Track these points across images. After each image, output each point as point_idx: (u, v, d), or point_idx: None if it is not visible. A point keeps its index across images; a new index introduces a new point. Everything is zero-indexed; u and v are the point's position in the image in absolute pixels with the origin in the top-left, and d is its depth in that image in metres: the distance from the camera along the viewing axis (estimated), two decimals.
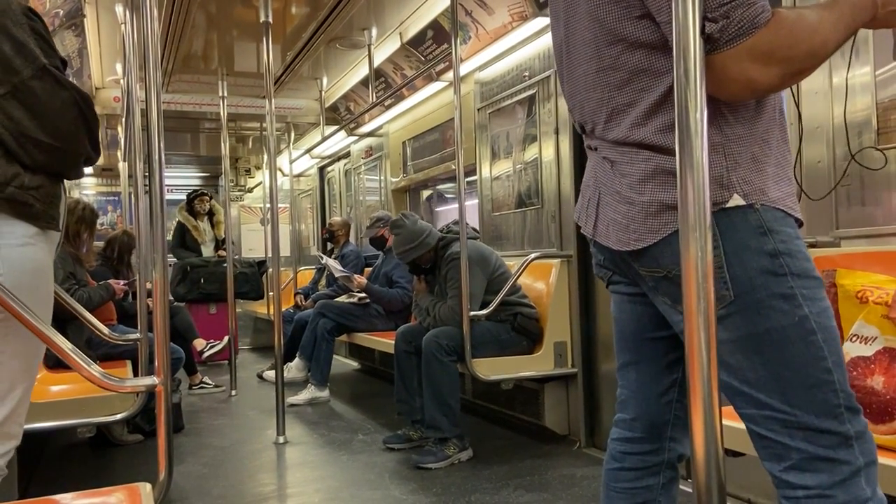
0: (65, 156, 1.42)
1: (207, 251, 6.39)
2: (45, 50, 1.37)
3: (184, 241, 6.40)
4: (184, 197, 6.62)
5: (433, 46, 4.28)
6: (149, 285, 2.40)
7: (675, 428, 1.28)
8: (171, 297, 5.86)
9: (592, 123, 1.17)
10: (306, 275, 6.59)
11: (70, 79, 1.44)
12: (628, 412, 1.30)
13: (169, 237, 6.46)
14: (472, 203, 4.14)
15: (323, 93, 5.80)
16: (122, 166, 5.52)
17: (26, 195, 1.35)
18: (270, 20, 3.57)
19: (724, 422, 0.87)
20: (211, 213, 6.50)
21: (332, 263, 4.78)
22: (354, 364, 6.17)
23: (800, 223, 1.07)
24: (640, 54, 1.06)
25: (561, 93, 3.28)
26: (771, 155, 1.06)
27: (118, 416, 2.51)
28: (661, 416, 1.26)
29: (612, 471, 1.31)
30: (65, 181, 1.51)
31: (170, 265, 6.15)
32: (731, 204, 1.02)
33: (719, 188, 1.02)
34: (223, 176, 5.66)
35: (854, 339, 1.63)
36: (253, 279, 6.36)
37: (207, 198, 6.46)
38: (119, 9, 3.87)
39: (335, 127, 5.99)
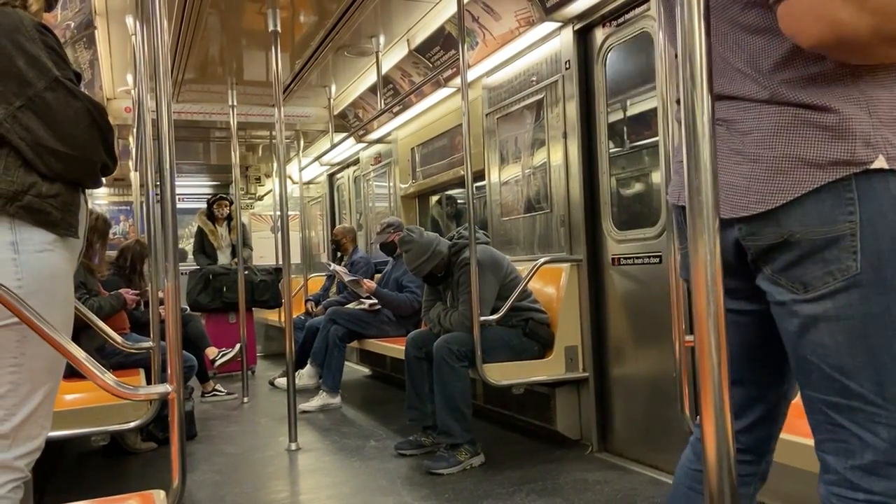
0: (81, 164, 1.46)
1: (223, 257, 6.36)
2: (57, 63, 1.42)
3: (203, 245, 6.38)
4: (195, 206, 6.61)
5: (441, 53, 4.29)
6: (161, 294, 2.41)
7: (775, 439, 1.22)
8: (186, 307, 5.86)
9: None
10: (317, 282, 6.61)
11: (82, 90, 1.47)
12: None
13: (190, 243, 6.44)
14: None
15: (332, 100, 5.82)
16: (134, 176, 5.57)
17: (44, 203, 1.39)
18: (279, 29, 3.59)
19: None
20: (230, 219, 6.40)
21: (340, 269, 4.80)
22: (365, 370, 6.17)
23: None
24: (755, 13, 0.98)
25: (569, 97, 3.30)
26: None
27: (132, 425, 2.53)
28: (769, 431, 1.20)
29: (696, 471, 1.22)
30: (85, 191, 1.54)
31: (184, 273, 6.15)
32: (875, 165, 0.93)
33: (865, 146, 0.93)
34: (234, 184, 5.69)
35: None
36: (273, 287, 6.29)
37: (227, 202, 6.36)
38: (129, 20, 3.91)
39: (344, 134, 6.01)
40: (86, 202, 1.54)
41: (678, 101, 1.19)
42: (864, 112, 0.94)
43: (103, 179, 1.61)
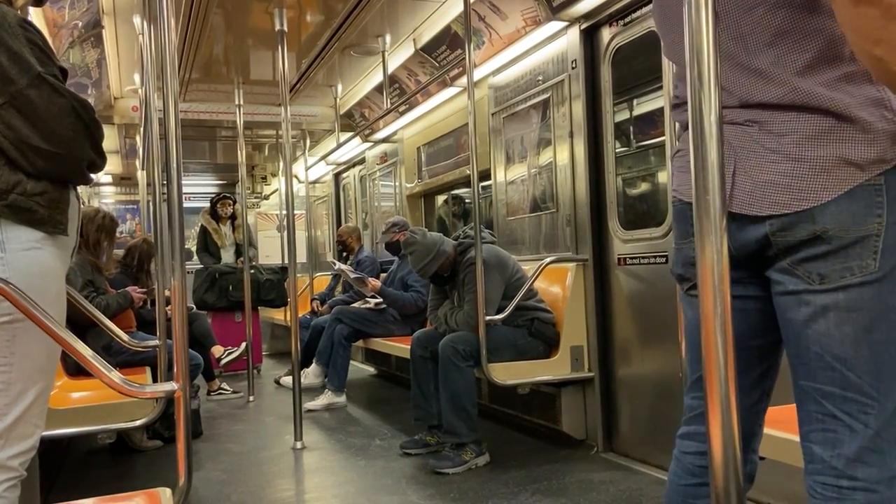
0: (66, 161, 1.44)
1: (227, 255, 6.37)
2: (40, 59, 1.40)
3: (206, 244, 6.40)
4: (201, 205, 6.63)
5: (447, 52, 4.29)
6: (167, 292, 2.42)
7: (758, 439, 1.22)
8: (192, 305, 5.88)
9: (726, 93, 1.07)
10: (323, 281, 6.62)
11: (88, 89, 1.47)
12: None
13: (194, 242, 6.45)
14: None
15: (338, 100, 5.83)
16: (141, 175, 5.58)
17: (29, 201, 1.38)
18: (285, 28, 3.60)
19: None
20: (234, 217, 6.43)
21: (345, 267, 4.80)
22: (371, 369, 6.18)
23: None
24: (783, 15, 0.99)
25: (576, 96, 3.29)
26: None
27: (138, 423, 2.54)
28: (750, 428, 1.19)
29: (690, 486, 1.22)
30: (77, 188, 1.53)
31: (190, 272, 6.17)
32: None
33: (892, 144, 0.97)
34: (240, 183, 5.71)
35: None
36: (279, 286, 6.28)
37: (230, 201, 6.40)
38: (137, 20, 3.92)
39: (350, 133, 6.02)
40: (77, 199, 1.53)
41: (674, 107, 1.19)
42: (889, 111, 0.98)
43: (92, 176, 1.60)
